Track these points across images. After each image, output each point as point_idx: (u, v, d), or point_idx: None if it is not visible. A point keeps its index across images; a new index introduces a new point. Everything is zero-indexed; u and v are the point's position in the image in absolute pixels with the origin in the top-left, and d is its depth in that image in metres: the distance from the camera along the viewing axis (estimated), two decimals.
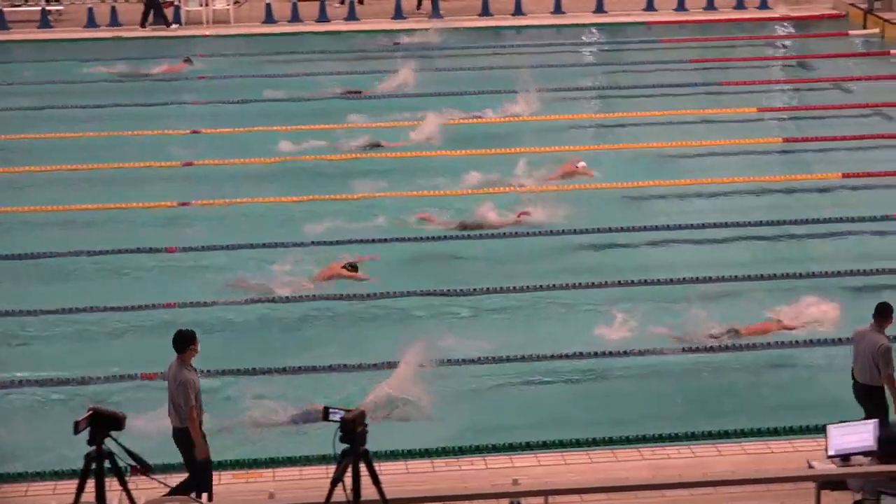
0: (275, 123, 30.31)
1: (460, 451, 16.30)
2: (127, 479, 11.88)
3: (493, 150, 28.32)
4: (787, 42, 40.09)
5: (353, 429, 13.91)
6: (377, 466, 14.30)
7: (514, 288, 21.43)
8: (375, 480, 14.25)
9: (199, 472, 14.87)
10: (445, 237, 23.71)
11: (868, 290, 21.28)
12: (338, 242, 23.10)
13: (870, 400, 15.70)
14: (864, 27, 40.51)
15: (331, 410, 14.12)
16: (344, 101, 32.64)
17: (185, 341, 14.88)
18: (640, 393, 18.45)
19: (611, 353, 19.13)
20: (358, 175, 26.56)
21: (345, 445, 13.90)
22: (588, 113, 31.11)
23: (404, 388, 17.86)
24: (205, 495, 14.91)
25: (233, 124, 30.75)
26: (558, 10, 42.61)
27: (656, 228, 23.89)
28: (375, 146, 28.68)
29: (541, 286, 21.43)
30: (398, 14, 42.22)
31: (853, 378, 15.96)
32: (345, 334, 20.30)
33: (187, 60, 36.36)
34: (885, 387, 15.57)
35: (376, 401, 17.63)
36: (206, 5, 41.58)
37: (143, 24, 41.33)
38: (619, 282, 21.44)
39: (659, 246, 23.42)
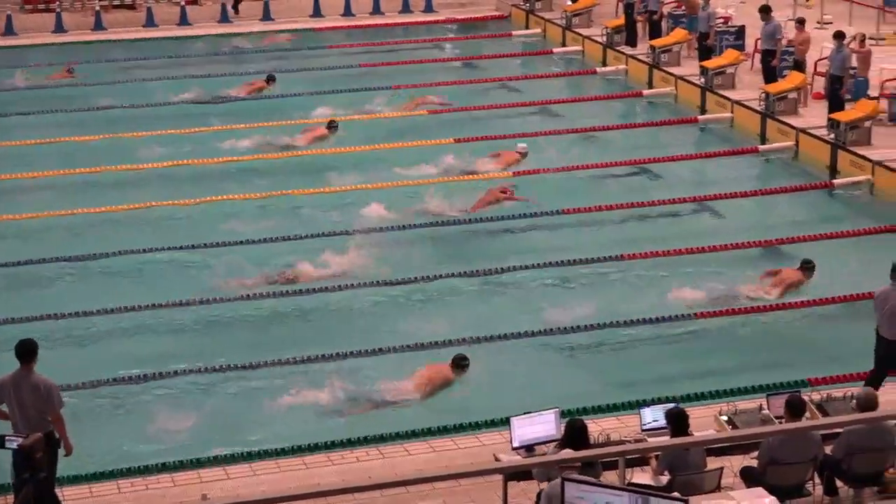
0: None
1: (146, 470, 15.94)
2: None
3: None
4: (455, 44, 40.79)
5: (31, 455, 13.50)
6: (59, 492, 13.93)
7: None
8: None
9: (47, 479, 14.10)
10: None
11: (556, 282, 21.92)
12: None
13: None
14: (527, 27, 41.56)
15: (7, 438, 13.65)
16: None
17: (34, 350, 14.42)
18: None
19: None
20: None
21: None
22: (259, 122, 30.87)
23: None
24: None
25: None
26: (225, 19, 42.25)
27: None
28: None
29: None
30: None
31: (878, 335, 17.08)
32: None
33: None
34: None
35: None
36: None
37: None
38: None
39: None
